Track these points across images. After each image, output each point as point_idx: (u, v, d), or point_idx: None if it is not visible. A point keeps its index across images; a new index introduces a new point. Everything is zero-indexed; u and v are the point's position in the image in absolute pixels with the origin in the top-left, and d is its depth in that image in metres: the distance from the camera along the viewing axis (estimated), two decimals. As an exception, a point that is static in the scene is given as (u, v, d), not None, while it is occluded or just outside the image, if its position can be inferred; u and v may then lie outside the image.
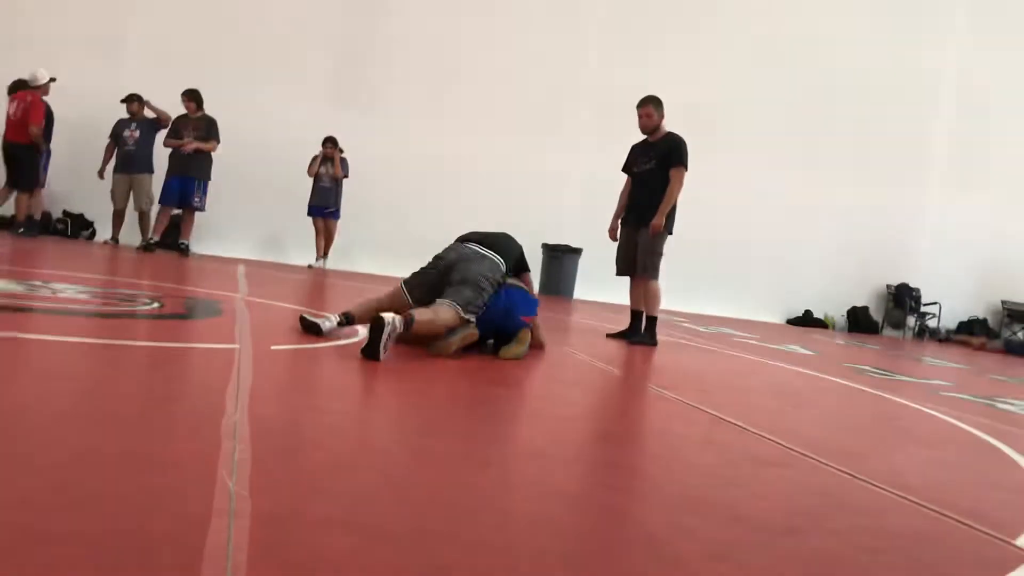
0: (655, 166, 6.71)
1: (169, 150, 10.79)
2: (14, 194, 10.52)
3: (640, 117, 6.84)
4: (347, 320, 4.50)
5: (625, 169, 7.06)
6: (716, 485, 2.53)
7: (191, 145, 10.58)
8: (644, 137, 6.94)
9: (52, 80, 10.50)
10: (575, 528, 1.96)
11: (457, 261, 4.65)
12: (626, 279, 6.97)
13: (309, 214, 11.81)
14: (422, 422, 2.94)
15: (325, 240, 11.83)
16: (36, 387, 2.64)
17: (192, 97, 10.77)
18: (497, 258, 4.72)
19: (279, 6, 12.58)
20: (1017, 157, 14.94)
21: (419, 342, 4.27)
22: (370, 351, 3.76)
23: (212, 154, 10.79)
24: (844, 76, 14.28)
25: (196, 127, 10.72)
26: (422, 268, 4.79)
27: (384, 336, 3.77)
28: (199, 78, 11.27)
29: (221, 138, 10.82)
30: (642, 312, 6.76)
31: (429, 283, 4.65)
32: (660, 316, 6.81)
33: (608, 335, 6.87)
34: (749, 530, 2.08)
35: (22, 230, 10.33)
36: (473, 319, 4.41)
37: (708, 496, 2.38)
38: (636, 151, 7.02)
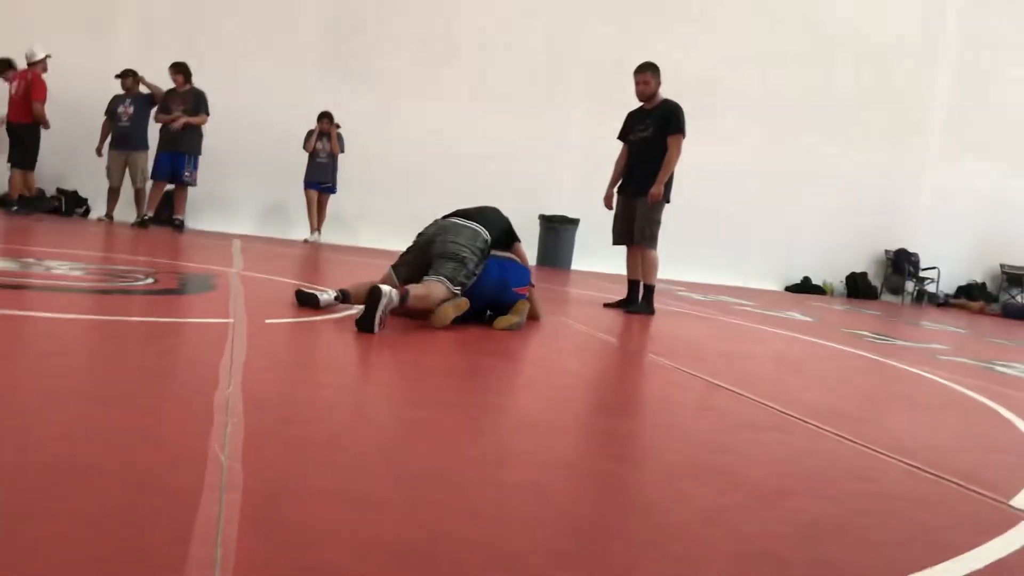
0: (652, 133, 6.65)
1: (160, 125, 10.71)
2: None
3: (637, 84, 6.77)
4: (343, 297, 4.49)
5: (621, 137, 7.00)
6: (712, 451, 2.52)
7: (180, 121, 10.47)
8: (640, 104, 6.87)
9: (48, 56, 10.41)
10: (569, 496, 1.95)
11: (435, 235, 4.64)
12: (623, 249, 6.95)
13: (306, 188, 11.77)
14: (416, 394, 2.93)
15: (319, 215, 11.83)
16: (28, 364, 2.62)
17: (180, 70, 10.58)
18: (477, 226, 4.69)
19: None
20: (1016, 122, 14.88)
21: (413, 316, 4.26)
22: (365, 323, 3.75)
23: (203, 128, 10.66)
24: (842, 41, 14.18)
25: (184, 101, 10.55)
26: (407, 248, 4.80)
27: (380, 308, 3.76)
28: (192, 53, 11.17)
29: (215, 113, 10.74)
30: (639, 281, 6.74)
31: (412, 261, 4.66)
32: (658, 285, 6.80)
33: (605, 304, 6.86)
34: (745, 495, 2.07)
35: (16, 208, 10.28)
36: (460, 290, 4.39)
37: (704, 462, 2.37)
38: (632, 118, 6.95)
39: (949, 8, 14.75)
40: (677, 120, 6.61)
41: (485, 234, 4.67)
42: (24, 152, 10.42)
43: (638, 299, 6.71)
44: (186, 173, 10.57)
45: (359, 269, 7.26)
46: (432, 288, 4.28)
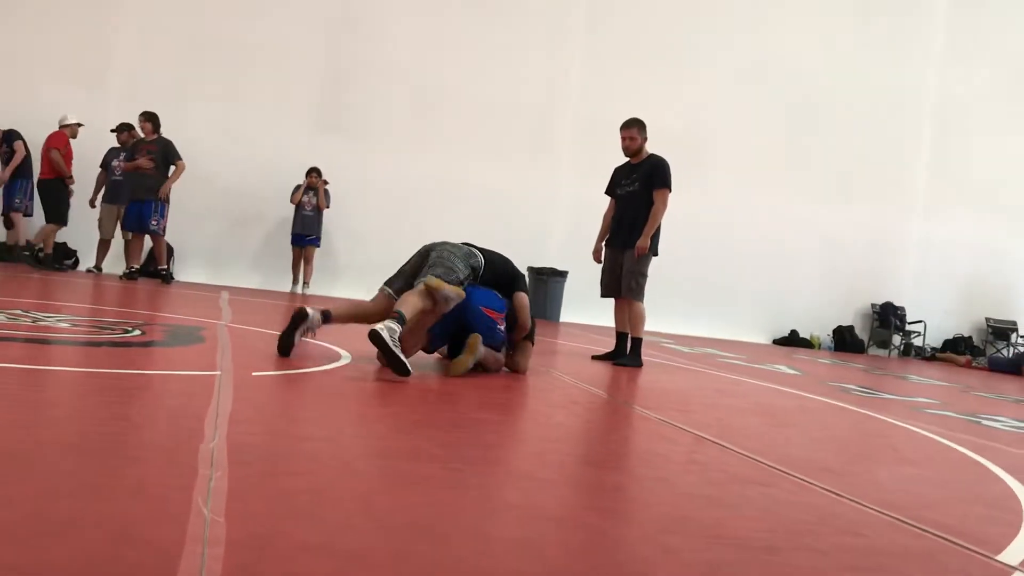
0: (639, 188, 6.73)
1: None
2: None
3: (623, 139, 6.87)
4: (325, 318, 4.58)
5: (608, 191, 7.08)
6: (698, 505, 2.52)
7: (147, 163, 10.25)
8: (627, 159, 6.96)
9: (79, 124, 10.97)
10: (557, 550, 1.94)
11: (432, 247, 4.87)
12: (611, 301, 6.98)
13: (293, 243, 11.92)
14: (403, 446, 2.92)
15: (306, 268, 11.93)
16: (11, 415, 2.60)
17: (149, 119, 10.48)
18: (474, 250, 4.87)
19: (261, 34, 12.58)
20: (996, 174, 15.09)
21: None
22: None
23: (179, 172, 10.44)
24: (826, 99, 14.41)
25: (151, 149, 10.39)
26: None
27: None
28: (182, 106, 11.32)
29: (205, 164, 10.81)
30: (627, 334, 6.77)
31: (408, 271, 4.83)
32: (645, 337, 6.81)
33: (593, 357, 6.87)
34: (732, 549, 2.06)
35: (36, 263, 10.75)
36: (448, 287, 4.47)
37: (690, 516, 2.37)
38: (619, 173, 7.04)
39: (928, 65, 15.03)
40: (662, 174, 6.69)
41: (480, 259, 4.81)
42: (48, 206, 10.95)
43: (626, 351, 6.72)
44: (152, 222, 10.34)
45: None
46: (408, 298, 4.40)
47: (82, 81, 11.83)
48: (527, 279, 5.47)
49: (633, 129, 6.83)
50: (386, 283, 4.82)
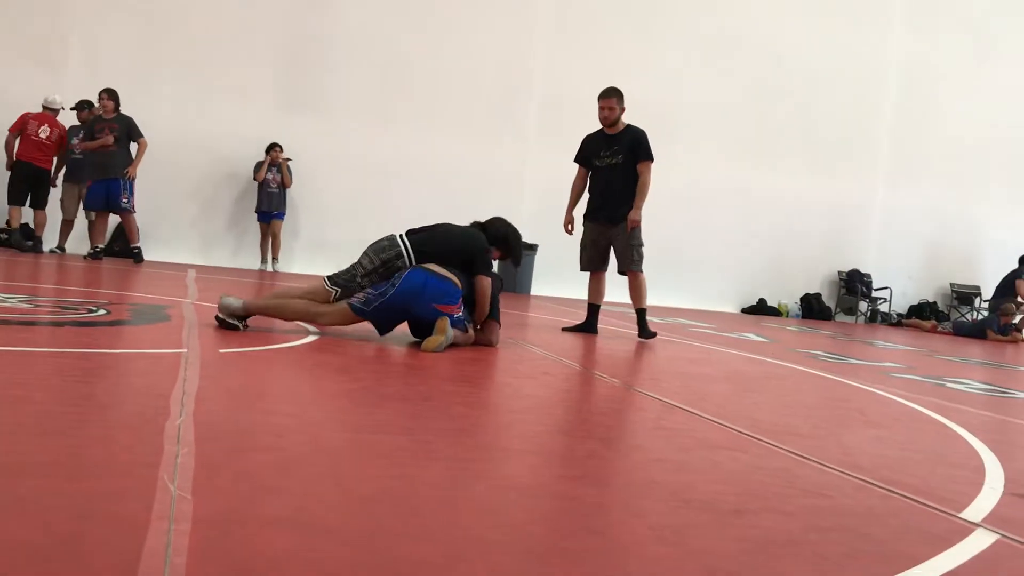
0: (622, 160, 6.68)
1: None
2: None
3: (602, 109, 6.75)
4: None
5: (580, 160, 6.97)
6: (667, 469, 2.53)
7: (109, 138, 10.15)
8: (600, 128, 6.86)
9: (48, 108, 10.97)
10: (525, 518, 1.95)
11: None
12: (583, 273, 6.99)
13: (260, 220, 11.85)
14: (371, 420, 2.91)
15: (273, 243, 11.85)
16: (-28, 398, 2.56)
17: (111, 96, 10.32)
18: (396, 237, 4.94)
19: (223, 9, 12.38)
20: (958, 144, 15.25)
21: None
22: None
23: (143, 150, 10.34)
24: (790, 69, 14.45)
25: (112, 127, 10.25)
26: None
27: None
28: (143, 84, 11.13)
29: (168, 142, 10.69)
30: (599, 306, 6.84)
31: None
32: (614, 309, 6.86)
33: (564, 329, 6.89)
34: (700, 513, 2.08)
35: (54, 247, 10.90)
36: (336, 291, 4.77)
37: (659, 480, 2.38)
38: (593, 143, 6.90)
39: (889, 35, 15.12)
40: (647, 147, 6.71)
41: (400, 246, 4.85)
42: (40, 194, 11.02)
43: (596, 323, 6.78)
44: (123, 200, 10.25)
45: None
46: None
47: (39, 58, 11.59)
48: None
49: (612, 99, 6.72)
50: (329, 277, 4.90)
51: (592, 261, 6.90)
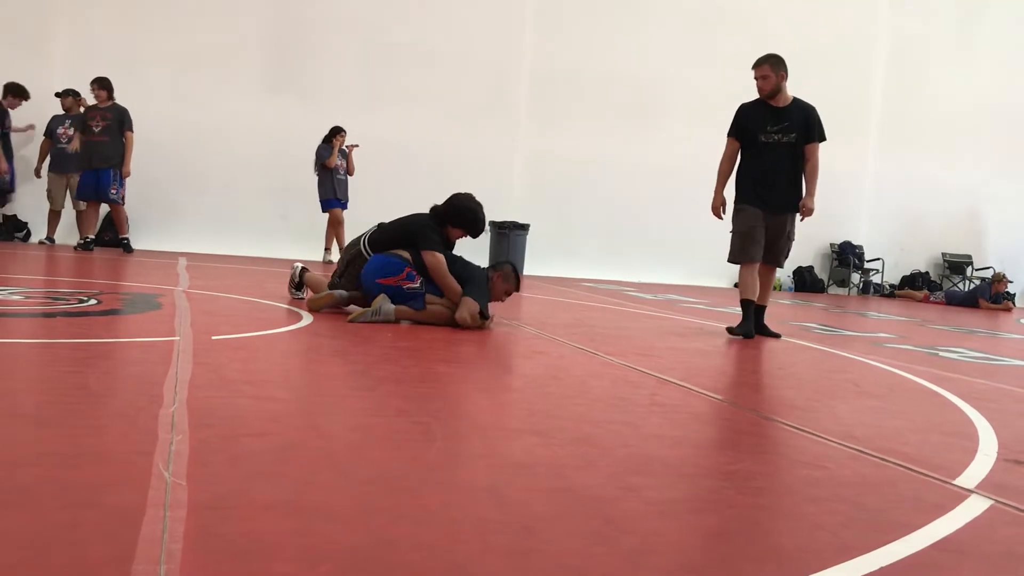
0: (796, 139, 5.95)
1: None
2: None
3: (756, 80, 6.07)
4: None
5: (738, 132, 6.14)
6: (663, 445, 2.54)
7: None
8: (760, 99, 6.12)
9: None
10: (521, 496, 1.95)
11: None
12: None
13: (331, 207, 11.28)
14: (366, 403, 2.91)
15: (340, 233, 11.17)
16: (-35, 390, 2.56)
17: (103, 85, 10.19)
18: (359, 237, 5.41)
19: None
20: (948, 115, 15.24)
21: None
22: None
23: (131, 144, 10.22)
24: (781, 40, 14.34)
25: (106, 117, 10.14)
26: None
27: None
28: (129, 70, 11.03)
29: (161, 129, 10.62)
30: (753, 301, 5.95)
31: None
32: (605, 286, 6.81)
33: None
34: (695, 487, 2.09)
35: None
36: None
37: (655, 455, 2.39)
38: (757, 114, 6.07)
39: (880, 4, 15.07)
40: (821, 127, 6.09)
41: (358, 248, 5.29)
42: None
43: (761, 320, 6.08)
44: (112, 191, 10.13)
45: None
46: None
47: (22, 45, 11.48)
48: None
49: (765, 66, 5.97)
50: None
51: (759, 250, 5.96)
